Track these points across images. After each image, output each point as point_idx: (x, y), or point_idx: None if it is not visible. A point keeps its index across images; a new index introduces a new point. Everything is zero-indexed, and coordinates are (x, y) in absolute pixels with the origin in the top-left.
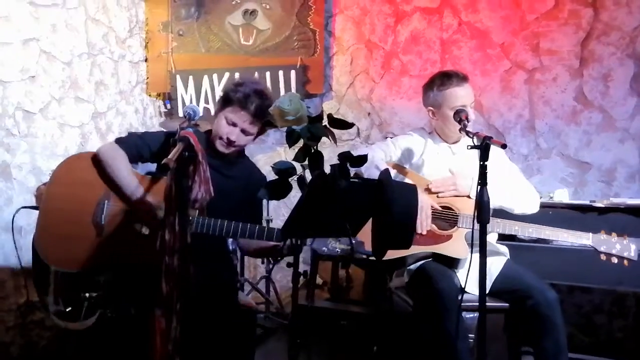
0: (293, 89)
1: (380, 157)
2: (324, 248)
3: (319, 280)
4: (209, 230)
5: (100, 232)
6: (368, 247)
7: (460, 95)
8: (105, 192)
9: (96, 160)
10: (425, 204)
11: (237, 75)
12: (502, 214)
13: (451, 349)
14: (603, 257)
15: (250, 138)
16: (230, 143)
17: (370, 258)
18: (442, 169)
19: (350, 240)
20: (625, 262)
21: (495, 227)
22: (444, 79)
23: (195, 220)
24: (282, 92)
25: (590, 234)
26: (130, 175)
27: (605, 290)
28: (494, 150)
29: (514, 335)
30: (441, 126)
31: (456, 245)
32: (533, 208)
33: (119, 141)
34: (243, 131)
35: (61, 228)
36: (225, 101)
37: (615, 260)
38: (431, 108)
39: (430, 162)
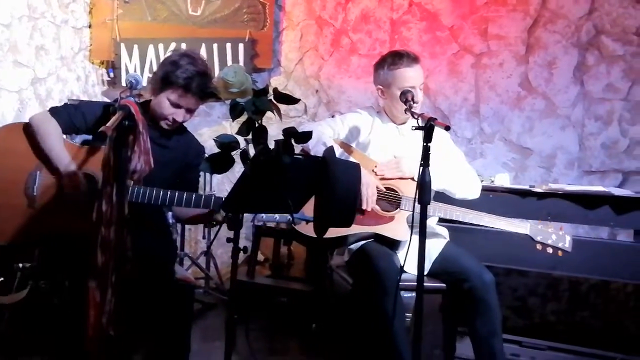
0: (241, 63)
1: (328, 134)
2: (263, 215)
3: (260, 257)
4: (143, 199)
5: (32, 204)
6: (307, 212)
7: (410, 76)
8: (38, 163)
9: (28, 130)
10: (371, 181)
11: (183, 46)
12: (444, 198)
13: (388, 327)
14: (539, 246)
15: (193, 113)
16: (175, 123)
17: (311, 235)
18: (388, 149)
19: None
20: (560, 252)
21: (437, 212)
22: (395, 58)
23: (129, 188)
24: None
25: (528, 223)
26: (62, 150)
27: (540, 274)
28: (440, 134)
29: (451, 315)
30: (389, 106)
31: (397, 227)
32: (474, 194)
33: (52, 111)
34: (187, 110)
35: None
36: (166, 83)
37: (550, 250)
38: (380, 87)
39: (376, 142)
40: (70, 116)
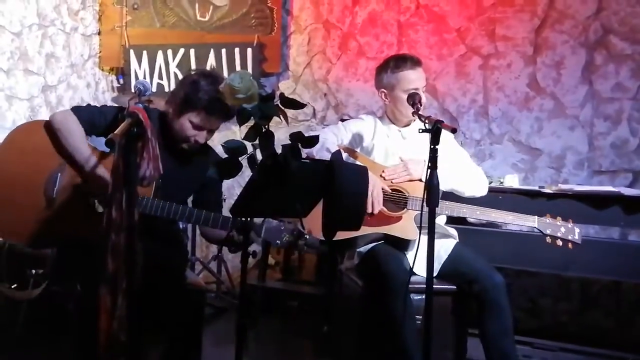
0: (249, 68)
1: (332, 141)
2: (278, 241)
3: (271, 261)
4: (162, 213)
5: (50, 205)
6: (315, 216)
7: (414, 78)
8: (60, 164)
9: (49, 128)
10: (377, 184)
11: (192, 51)
12: (451, 196)
13: (398, 330)
14: (548, 239)
15: (215, 132)
16: (197, 144)
17: (321, 239)
18: (391, 152)
19: (302, 233)
20: (570, 245)
21: (444, 210)
22: (398, 61)
23: (147, 200)
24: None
25: (536, 217)
26: (84, 145)
27: (551, 274)
28: (443, 135)
29: (461, 317)
30: (392, 109)
31: (405, 226)
32: (482, 191)
33: (75, 109)
34: (209, 131)
35: (8, 194)
36: (187, 105)
37: (560, 243)
38: (384, 90)
39: (380, 146)
40: (92, 115)
